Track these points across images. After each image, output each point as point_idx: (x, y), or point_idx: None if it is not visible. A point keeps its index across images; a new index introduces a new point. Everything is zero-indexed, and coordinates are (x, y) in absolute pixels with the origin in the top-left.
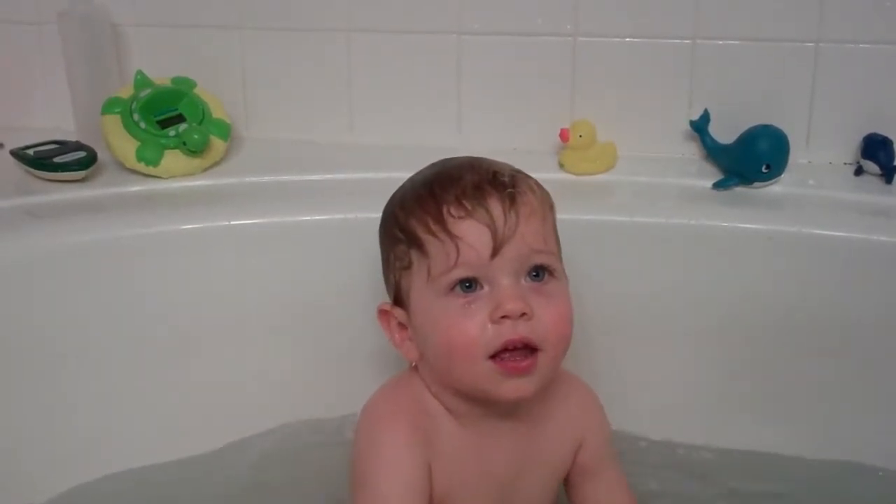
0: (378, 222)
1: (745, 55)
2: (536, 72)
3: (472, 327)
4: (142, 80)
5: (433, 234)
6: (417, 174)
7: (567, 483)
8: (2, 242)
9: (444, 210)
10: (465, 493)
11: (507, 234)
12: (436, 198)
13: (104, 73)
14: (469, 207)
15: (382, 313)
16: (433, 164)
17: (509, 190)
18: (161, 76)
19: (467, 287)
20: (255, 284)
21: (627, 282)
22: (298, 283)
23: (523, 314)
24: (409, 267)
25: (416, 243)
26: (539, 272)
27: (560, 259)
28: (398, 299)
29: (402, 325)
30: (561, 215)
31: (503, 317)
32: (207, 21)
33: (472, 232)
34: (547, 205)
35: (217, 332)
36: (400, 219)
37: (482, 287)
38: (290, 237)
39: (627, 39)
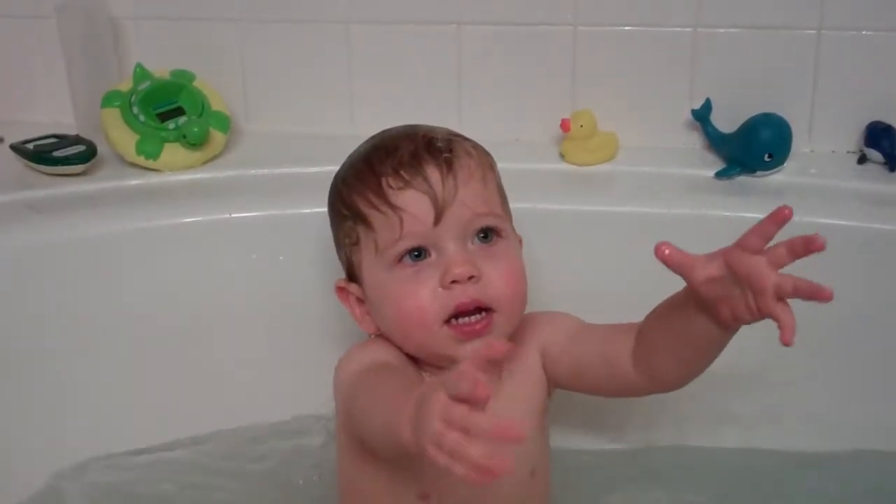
0: None
1: (746, 43)
2: (537, 62)
3: (423, 295)
4: (141, 73)
5: (375, 207)
6: (356, 149)
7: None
8: (2, 236)
9: (384, 182)
10: None
11: (448, 199)
12: (374, 170)
13: (103, 66)
14: (407, 177)
15: (340, 290)
16: (371, 137)
17: (445, 155)
18: (160, 69)
19: (416, 256)
20: (256, 277)
21: (629, 272)
22: (299, 275)
23: (471, 277)
24: (357, 243)
25: (360, 218)
26: (486, 233)
27: (507, 218)
28: (351, 275)
29: (360, 300)
30: (562, 206)
31: (453, 282)
32: (206, 13)
33: (412, 201)
34: (486, 165)
35: (217, 325)
36: (343, 195)
37: (430, 255)
38: (291, 230)
39: (628, 28)
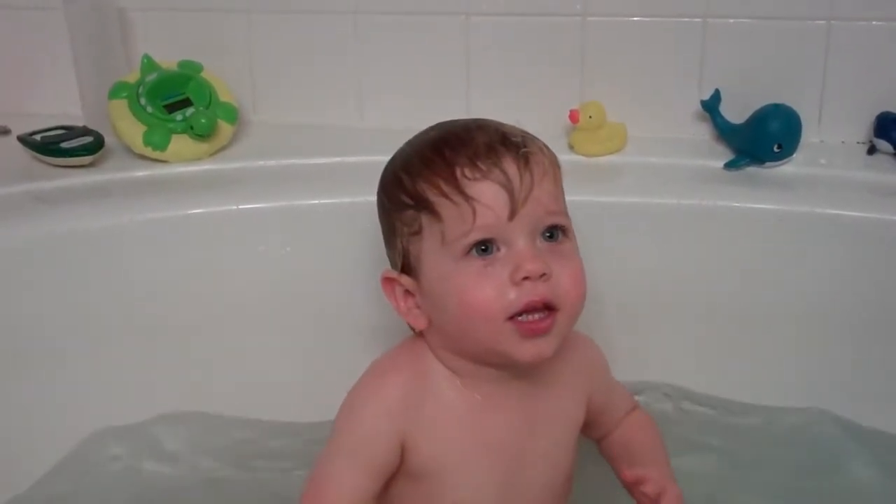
0: None
1: (756, 34)
2: (546, 52)
3: (490, 289)
4: (148, 65)
5: (447, 196)
6: (417, 137)
7: (594, 437)
8: (10, 228)
9: (458, 172)
10: (462, 463)
11: (524, 194)
12: (446, 159)
13: (111, 57)
14: (484, 168)
15: (387, 281)
16: (433, 127)
17: (523, 150)
18: (168, 60)
19: (483, 250)
20: (263, 268)
21: (638, 263)
22: (306, 267)
23: (543, 275)
24: (418, 232)
25: (426, 207)
26: (553, 232)
27: (570, 218)
28: (406, 266)
29: (408, 293)
30: (571, 197)
31: (524, 278)
32: (214, 4)
33: (488, 193)
34: (556, 164)
35: (224, 317)
36: (406, 183)
37: (499, 249)
38: (299, 221)
39: (637, 19)
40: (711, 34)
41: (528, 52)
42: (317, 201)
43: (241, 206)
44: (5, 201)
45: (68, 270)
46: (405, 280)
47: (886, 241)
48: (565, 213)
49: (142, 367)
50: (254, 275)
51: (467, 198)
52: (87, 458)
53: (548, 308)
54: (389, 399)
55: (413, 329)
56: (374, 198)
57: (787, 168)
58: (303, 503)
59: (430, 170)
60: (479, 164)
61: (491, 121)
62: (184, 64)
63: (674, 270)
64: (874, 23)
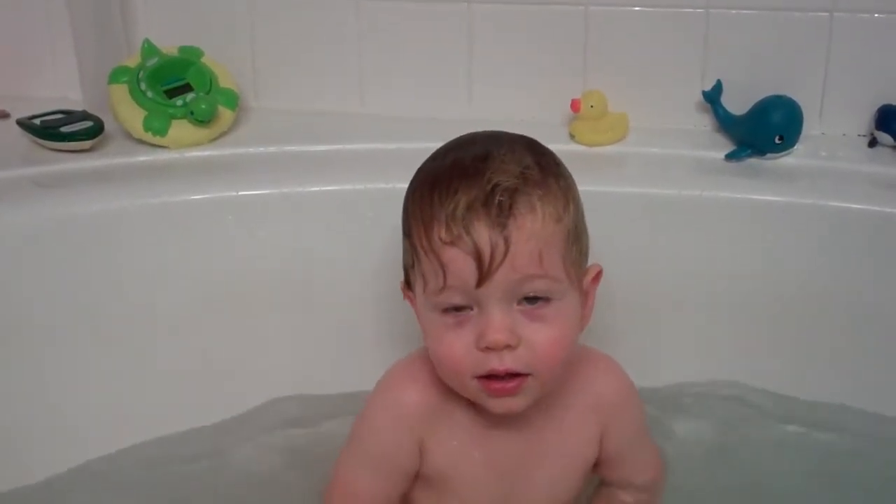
0: (388, 194)
1: (758, 25)
2: (548, 41)
3: (458, 348)
4: (149, 49)
5: (424, 251)
6: (437, 153)
7: (598, 467)
8: (9, 212)
9: (436, 230)
10: (467, 476)
11: (495, 263)
12: (432, 209)
13: (111, 42)
14: (455, 233)
15: (405, 290)
16: (454, 147)
17: (500, 219)
18: (168, 45)
19: (457, 309)
20: (263, 255)
21: (638, 253)
22: (307, 253)
23: (508, 346)
24: (413, 266)
25: (414, 249)
26: (532, 299)
27: (568, 273)
28: (409, 283)
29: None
30: None
31: (487, 348)
32: None
33: (457, 260)
34: (551, 220)
35: (224, 302)
36: (409, 210)
37: (472, 309)
38: (299, 208)
39: (639, 8)
40: (714, 25)
41: (530, 41)
42: (317, 188)
43: (241, 193)
44: (4, 185)
45: (67, 255)
46: (411, 296)
47: (887, 234)
48: (551, 277)
49: (140, 352)
50: (254, 261)
51: (440, 260)
52: (86, 443)
53: (513, 376)
54: (407, 408)
55: None
56: (374, 184)
57: (788, 160)
58: None
59: (420, 212)
60: (452, 227)
61: (497, 159)
62: (184, 49)
63: (674, 261)
64: (876, 15)
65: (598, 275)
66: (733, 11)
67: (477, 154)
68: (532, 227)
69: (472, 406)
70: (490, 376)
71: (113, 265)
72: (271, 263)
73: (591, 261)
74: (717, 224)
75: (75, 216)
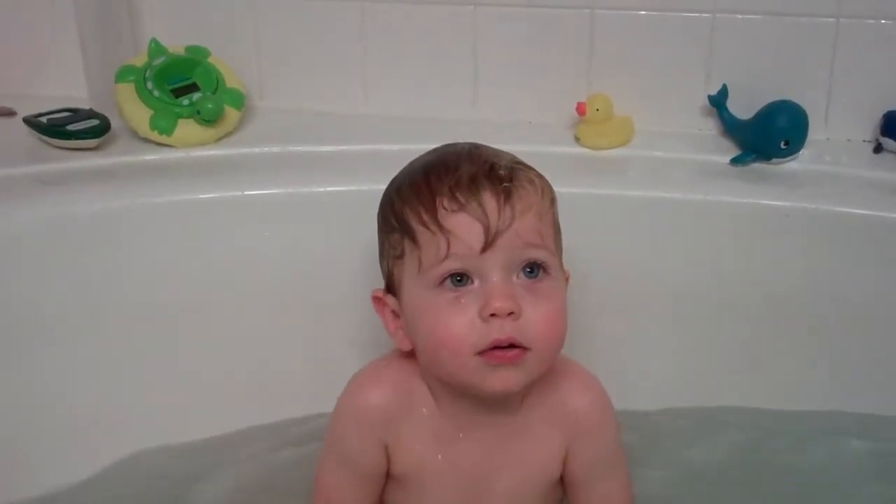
0: None
1: (764, 30)
2: (553, 44)
3: (460, 324)
4: (156, 49)
5: (425, 225)
6: (417, 159)
7: (565, 487)
8: (15, 210)
9: (438, 202)
10: (432, 478)
11: (501, 228)
12: (431, 188)
13: (117, 40)
14: (462, 201)
15: (376, 300)
16: (434, 150)
17: (505, 184)
18: (175, 44)
19: (458, 281)
20: (269, 255)
21: (642, 257)
22: (312, 253)
23: (511, 313)
24: (401, 256)
25: (408, 233)
26: (533, 268)
27: (558, 256)
28: (390, 287)
29: (395, 314)
30: (576, 189)
31: (492, 315)
32: None
33: (463, 226)
34: (547, 199)
35: (229, 302)
36: (396, 206)
37: (473, 282)
38: (304, 208)
39: (645, 12)
40: (720, 29)
41: (535, 43)
42: (323, 188)
43: (246, 192)
44: (11, 183)
45: (72, 253)
46: (391, 301)
47: (891, 240)
48: (550, 250)
49: (143, 351)
50: (258, 260)
51: (443, 229)
52: (86, 445)
53: (515, 347)
54: (369, 412)
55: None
56: (379, 185)
57: (793, 165)
58: None
59: (415, 196)
60: (457, 195)
61: (488, 149)
62: (191, 49)
63: (677, 265)
64: (882, 21)
65: (567, 280)
66: (739, 16)
67: (463, 147)
68: (532, 199)
69: (439, 408)
70: (492, 348)
71: (118, 264)
72: (276, 263)
73: (596, 262)
74: (722, 228)
75: (81, 214)
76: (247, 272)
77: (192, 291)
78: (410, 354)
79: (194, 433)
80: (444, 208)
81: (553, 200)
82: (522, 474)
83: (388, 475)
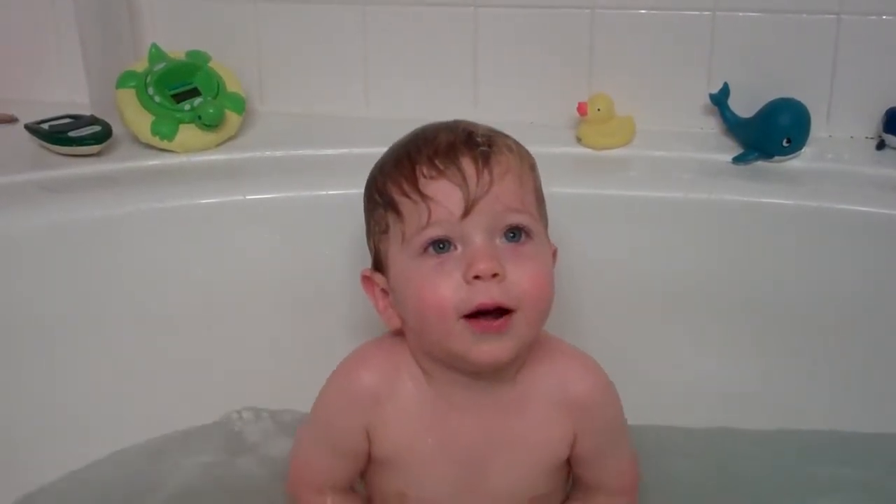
0: None
1: (765, 27)
2: (554, 44)
3: (444, 287)
4: (156, 54)
5: (406, 195)
6: (399, 140)
7: (570, 465)
8: (17, 216)
9: (418, 171)
10: (421, 460)
11: (480, 192)
12: (411, 159)
13: (119, 46)
14: (441, 167)
15: (365, 279)
16: (415, 129)
17: (482, 149)
18: (175, 50)
19: (440, 248)
20: (271, 259)
21: (644, 256)
22: (314, 257)
23: (495, 275)
24: (386, 231)
25: (391, 206)
26: (515, 232)
27: (541, 221)
28: (378, 264)
29: (384, 292)
30: (578, 189)
31: (476, 277)
32: None
33: (443, 191)
34: (526, 164)
35: (231, 307)
36: (378, 182)
37: (455, 248)
38: (306, 212)
39: (646, 11)
40: (720, 27)
41: (536, 44)
42: (324, 192)
43: (248, 197)
44: (12, 190)
45: (74, 259)
46: (379, 278)
47: (894, 237)
48: (531, 214)
49: (145, 355)
50: (260, 265)
51: (423, 196)
52: (93, 446)
53: (501, 311)
54: (357, 393)
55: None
56: None
57: (795, 163)
58: (288, 482)
59: (397, 169)
60: (436, 162)
61: (466, 121)
62: (192, 54)
63: (680, 264)
64: (884, 17)
65: (555, 254)
66: (740, 14)
67: (442, 123)
68: (509, 164)
69: (430, 384)
70: (478, 314)
71: (120, 269)
72: (278, 267)
73: (598, 261)
74: (724, 227)
75: (83, 220)
76: (248, 276)
77: (194, 296)
78: (401, 334)
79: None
80: (424, 176)
81: (532, 166)
82: (523, 456)
83: (371, 459)
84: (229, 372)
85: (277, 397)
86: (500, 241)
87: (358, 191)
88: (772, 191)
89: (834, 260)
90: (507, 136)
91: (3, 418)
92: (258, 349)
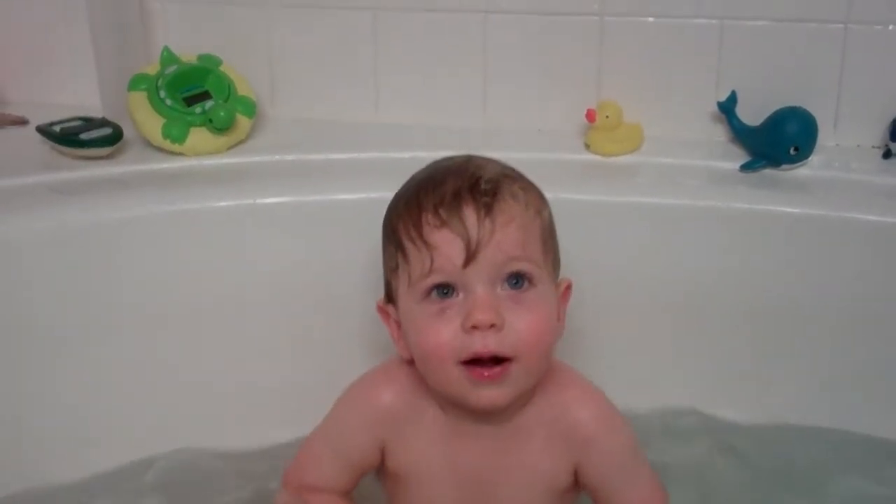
0: None
1: (773, 36)
2: (563, 51)
3: (443, 333)
4: (168, 57)
5: (412, 240)
6: (417, 173)
7: (590, 496)
8: (28, 219)
9: (423, 218)
10: (430, 479)
11: (482, 243)
12: (419, 203)
13: (130, 49)
14: (444, 217)
15: (381, 310)
16: (432, 163)
17: (485, 199)
18: (187, 53)
19: (444, 293)
20: (281, 263)
21: (653, 264)
22: (324, 262)
23: (493, 325)
24: (396, 269)
25: (400, 248)
26: (517, 279)
27: (545, 266)
28: (390, 297)
29: (398, 323)
30: (586, 196)
31: (473, 327)
32: None
33: (445, 241)
34: (532, 210)
35: (241, 311)
36: (392, 220)
37: (457, 294)
38: (316, 216)
39: (654, 19)
40: (728, 36)
41: (545, 51)
42: (334, 197)
43: (258, 201)
44: (24, 192)
45: (85, 262)
46: (392, 311)
47: None
48: (534, 261)
49: (155, 359)
50: (270, 268)
51: (427, 244)
52: (95, 451)
53: (497, 360)
54: (378, 407)
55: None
56: (390, 193)
57: (802, 171)
58: (286, 474)
59: (406, 212)
60: (440, 211)
61: (477, 161)
62: (203, 57)
63: (687, 271)
64: (891, 27)
65: (568, 289)
66: (748, 23)
67: (457, 161)
68: (515, 212)
69: (444, 412)
70: (474, 361)
71: (131, 272)
72: (288, 271)
73: (605, 268)
74: (732, 235)
75: (94, 223)
76: (259, 280)
77: (204, 299)
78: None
79: (206, 441)
80: (429, 224)
81: (540, 211)
82: (525, 484)
83: (384, 471)
84: (240, 376)
85: (289, 404)
86: (501, 289)
87: (367, 195)
88: (779, 199)
89: (840, 268)
90: (515, 180)
91: (11, 417)
92: (266, 353)
